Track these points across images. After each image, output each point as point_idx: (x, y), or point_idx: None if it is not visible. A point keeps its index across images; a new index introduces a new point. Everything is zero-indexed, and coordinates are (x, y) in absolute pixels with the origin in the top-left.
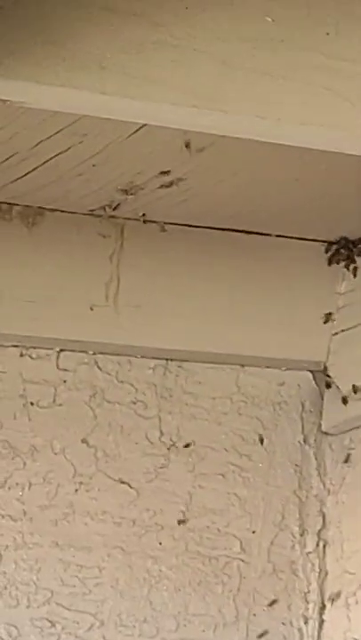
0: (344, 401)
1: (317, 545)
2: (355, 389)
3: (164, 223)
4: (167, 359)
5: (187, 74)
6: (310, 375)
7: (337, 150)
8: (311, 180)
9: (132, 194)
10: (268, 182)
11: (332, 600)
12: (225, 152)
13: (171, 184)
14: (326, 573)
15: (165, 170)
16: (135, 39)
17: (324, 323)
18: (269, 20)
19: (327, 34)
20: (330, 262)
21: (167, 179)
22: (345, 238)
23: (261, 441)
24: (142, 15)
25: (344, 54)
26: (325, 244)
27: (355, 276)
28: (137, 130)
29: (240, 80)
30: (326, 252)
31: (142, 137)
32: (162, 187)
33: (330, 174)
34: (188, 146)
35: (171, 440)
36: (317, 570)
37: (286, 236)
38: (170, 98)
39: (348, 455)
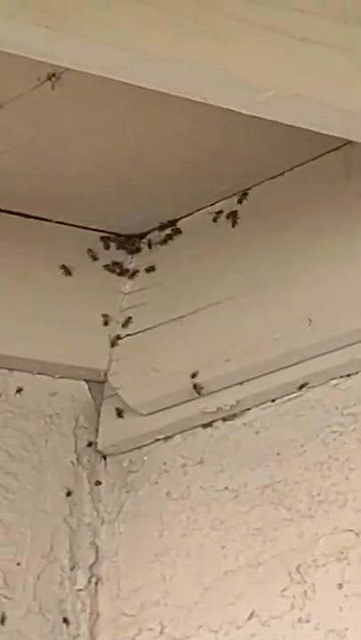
0: (120, 415)
1: (89, 582)
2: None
3: None
4: None
5: None
6: (86, 385)
7: (204, 99)
8: (114, 156)
9: None
10: (65, 153)
11: None
12: (26, 112)
13: None
14: (98, 615)
15: None
16: None
17: (104, 325)
18: None
19: None
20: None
21: None
22: (132, 232)
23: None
24: None
25: None
26: (109, 235)
27: (145, 272)
28: None
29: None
30: (108, 247)
31: None
32: None
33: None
34: None
35: None
36: (88, 611)
37: (69, 224)
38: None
39: (127, 480)
